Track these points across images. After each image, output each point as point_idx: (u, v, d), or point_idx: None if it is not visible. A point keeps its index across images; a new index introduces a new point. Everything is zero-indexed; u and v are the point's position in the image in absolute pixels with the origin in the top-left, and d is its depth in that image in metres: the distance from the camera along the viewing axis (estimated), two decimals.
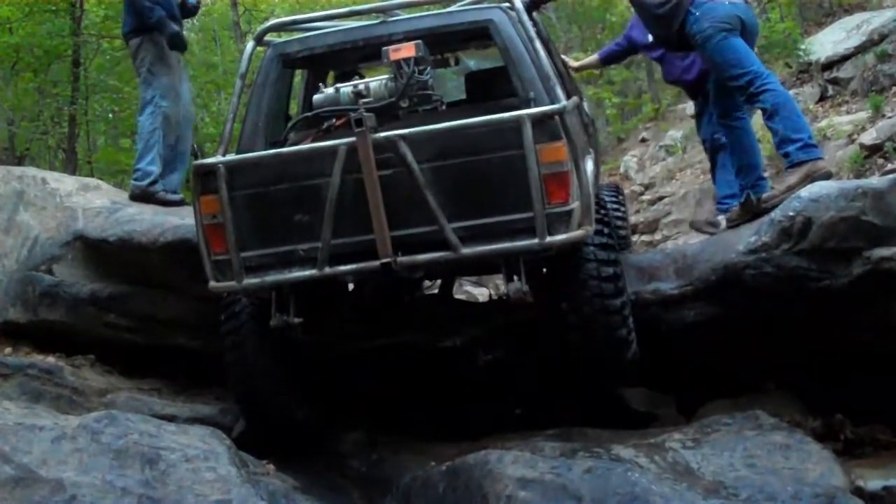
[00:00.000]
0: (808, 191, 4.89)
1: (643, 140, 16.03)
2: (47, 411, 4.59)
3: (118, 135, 20.71)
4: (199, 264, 4.64)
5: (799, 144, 5.42)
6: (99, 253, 5.93)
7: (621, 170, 15.00)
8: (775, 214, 4.94)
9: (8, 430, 4.20)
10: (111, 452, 4.03)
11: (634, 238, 10.51)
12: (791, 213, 4.84)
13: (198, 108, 18.24)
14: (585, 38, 21.15)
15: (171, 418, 5.07)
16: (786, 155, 5.47)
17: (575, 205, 4.31)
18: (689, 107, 14.45)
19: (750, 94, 5.55)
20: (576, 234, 4.35)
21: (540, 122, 4.29)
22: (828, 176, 5.35)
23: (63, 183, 6.64)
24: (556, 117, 4.32)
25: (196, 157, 16.68)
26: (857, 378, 5.11)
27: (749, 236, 5.02)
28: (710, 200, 10.63)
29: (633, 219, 11.04)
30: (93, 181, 7.10)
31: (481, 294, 9.21)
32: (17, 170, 7.00)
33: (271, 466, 4.68)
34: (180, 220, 5.73)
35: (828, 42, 11.82)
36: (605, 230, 4.78)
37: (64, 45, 15.84)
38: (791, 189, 5.18)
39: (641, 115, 17.97)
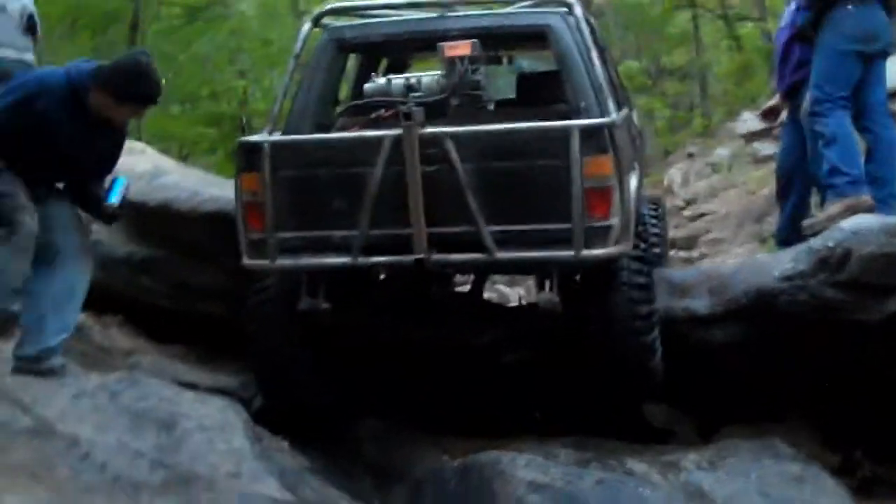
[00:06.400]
0: (850, 223, 4.83)
1: (690, 155, 15.94)
2: (71, 367, 4.64)
3: (169, 101, 20.89)
4: (235, 237, 4.67)
5: (849, 179, 5.39)
6: (138, 216, 5.98)
7: (665, 183, 14.92)
8: (814, 243, 4.89)
9: (31, 382, 4.26)
10: (129, 414, 4.08)
11: (672, 253, 10.43)
12: (831, 244, 4.78)
13: (249, 82, 18.44)
14: (641, 47, 21.06)
15: (192, 386, 5.10)
16: (832, 186, 5.42)
17: (615, 220, 4.29)
18: (739, 125, 14.41)
19: (815, 113, 5.51)
20: (612, 250, 4.32)
21: (588, 133, 4.26)
22: (871, 209, 5.30)
23: None
24: (605, 130, 4.31)
25: (243, 131, 16.83)
26: (881, 416, 5.06)
27: (786, 262, 4.97)
28: (752, 222, 10.58)
29: (672, 233, 10.97)
30: (139, 145, 7.16)
31: (513, 294, 9.22)
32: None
33: (286, 444, 4.71)
34: (220, 192, 5.77)
35: (892, 72, 11.63)
36: (642, 245, 4.75)
37: (124, 8, 16.01)
38: (832, 219, 5.13)
39: (690, 130, 17.89)
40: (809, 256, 4.85)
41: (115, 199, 4.63)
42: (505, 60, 6.51)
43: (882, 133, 5.77)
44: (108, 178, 4.71)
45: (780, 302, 4.89)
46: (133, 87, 4.45)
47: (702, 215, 12.16)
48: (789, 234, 6.18)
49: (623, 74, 17.01)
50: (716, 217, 11.67)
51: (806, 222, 5.50)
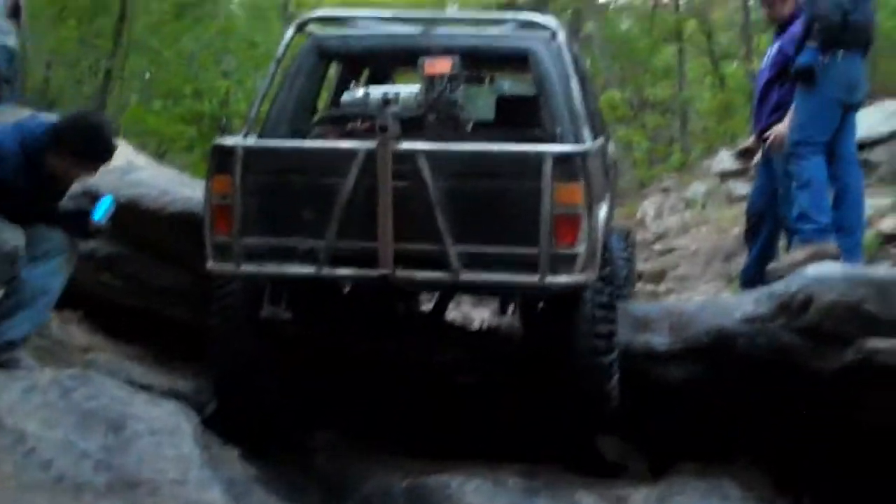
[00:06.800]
0: (813, 269, 4.88)
1: (665, 189, 15.99)
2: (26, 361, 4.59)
3: (151, 95, 20.82)
4: (202, 240, 4.64)
5: (816, 226, 5.46)
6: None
7: (638, 215, 14.97)
8: (776, 287, 4.93)
9: None
10: (78, 412, 4.04)
11: (640, 286, 10.45)
12: (793, 289, 4.82)
13: (233, 82, 18.40)
14: (626, 77, 21.16)
15: (146, 387, 5.06)
16: (800, 231, 5.46)
17: (582, 249, 4.30)
18: (715, 163, 14.50)
19: (793, 153, 5.56)
20: (577, 278, 4.34)
21: (561, 160, 4.28)
22: (837, 257, 5.35)
23: None
24: (578, 159, 4.32)
25: (223, 132, 16.77)
26: (831, 463, 5.08)
27: (747, 304, 5.00)
28: (720, 260, 10.62)
29: (640, 267, 10.98)
30: None
31: (479, 315, 9.19)
32: (42, 116, 7.00)
33: (236, 452, 4.67)
34: (191, 193, 5.73)
35: (863, 124, 11.72)
36: (607, 277, 4.76)
37: None
38: (796, 264, 5.17)
39: (668, 164, 17.96)
40: (771, 300, 4.89)
41: (101, 217, 4.66)
42: (487, 81, 6.53)
43: (851, 183, 5.83)
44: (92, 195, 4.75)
45: (739, 343, 4.93)
46: (92, 148, 4.51)
47: (672, 250, 12.18)
48: (755, 276, 6.22)
49: (605, 104, 17.17)
50: (685, 253, 11.69)
51: (771, 266, 5.53)
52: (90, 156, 4.53)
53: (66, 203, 4.83)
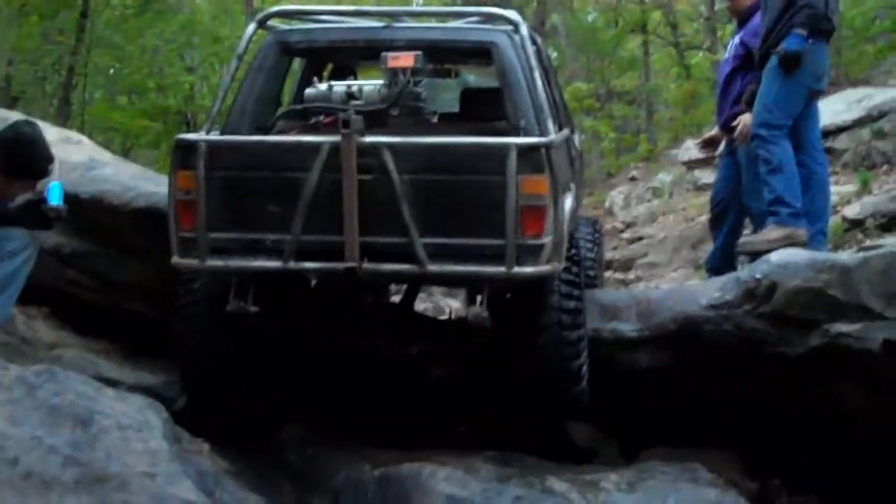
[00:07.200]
0: (777, 255, 4.92)
1: (632, 178, 16.12)
2: None
3: (116, 91, 20.66)
4: (167, 235, 4.62)
5: (791, 210, 5.52)
6: (69, 209, 5.90)
7: (606, 204, 15.07)
8: (742, 274, 4.98)
9: None
10: (45, 408, 4.00)
11: (608, 274, 10.53)
12: (758, 276, 4.86)
13: (198, 78, 18.29)
14: (592, 69, 21.25)
15: (114, 383, 5.02)
16: (775, 213, 5.52)
17: (547, 240, 4.32)
18: (682, 152, 14.62)
19: (761, 137, 5.59)
20: (544, 268, 4.35)
21: (525, 152, 4.29)
22: (804, 245, 5.41)
23: (45, 132, 6.53)
24: (543, 150, 4.33)
25: (189, 127, 16.67)
26: (799, 447, 5.14)
27: (713, 291, 5.04)
28: (688, 247, 10.72)
29: (609, 255, 11.07)
30: (75, 135, 7.05)
31: (451, 305, 9.23)
32: (2, 112, 6.95)
33: (206, 446, 4.65)
34: (155, 188, 5.70)
35: (828, 111, 11.88)
36: (574, 268, 4.79)
37: None
38: (771, 242, 5.24)
39: (635, 154, 18.08)
40: (737, 287, 4.93)
41: (57, 201, 4.61)
42: (452, 74, 6.52)
43: (816, 169, 5.89)
44: (42, 183, 4.68)
45: (706, 330, 4.97)
46: (25, 164, 4.47)
47: (640, 239, 12.30)
48: (720, 263, 6.28)
49: (572, 96, 17.24)
50: (653, 241, 11.80)
51: (743, 239, 5.56)
52: (24, 174, 4.49)
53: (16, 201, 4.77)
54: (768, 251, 5.10)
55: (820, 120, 6.22)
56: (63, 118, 15.68)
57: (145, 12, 18.37)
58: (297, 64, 5.88)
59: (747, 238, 5.53)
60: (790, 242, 5.31)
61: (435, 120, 5.33)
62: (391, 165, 4.30)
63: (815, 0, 5.52)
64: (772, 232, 5.47)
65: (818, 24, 5.54)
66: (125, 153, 17.50)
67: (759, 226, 6.02)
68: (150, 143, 18.97)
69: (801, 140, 5.82)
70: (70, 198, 5.51)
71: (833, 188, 10.02)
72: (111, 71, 19.74)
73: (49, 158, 4.58)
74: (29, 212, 4.66)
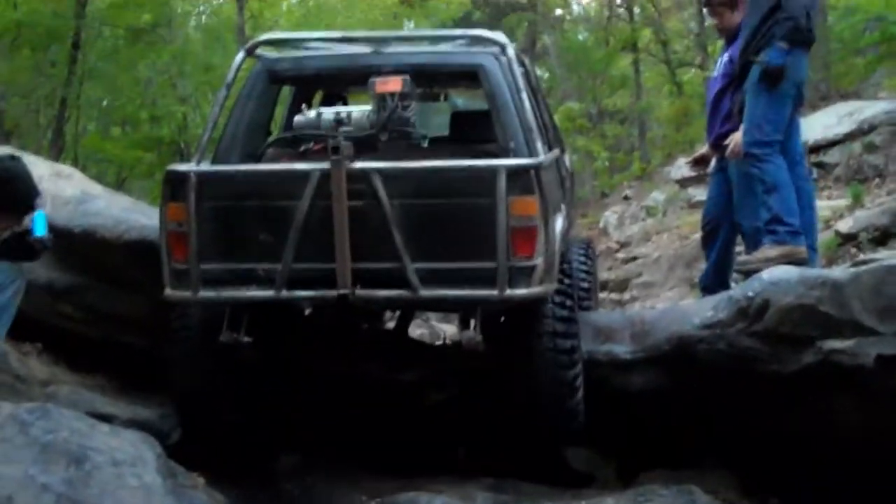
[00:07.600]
0: (769, 273, 4.91)
1: (626, 198, 16.14)
2: None
3: (109, 123, 20.70)
4: (159, 267, 4.61)
5: (789, 229, 5.52)
6: (62, 243, 5.89)
7: (601, 225, 15.08)
8: (734, 293, 4.97)
9: None
10: (38, 446, 3.96)
11: (603, 295, 10.53)
12: (750, 294, 4.85)
13: (190, 107, 18.32)
14: (584, 89, 21.31)
15: (109, 418, 5.00)
16: (773, 232, 5.51)
17: (539, 261, 4.32)
18: (674, 171, 14.64)
19: (753, 155, 5.58)
20: (536, 290, 4.35)
21: (515, 174, 4.30)
22: (803, 262, 5.40)
23: (36, 167, 6.54)
24: (532, 172, 4.34)
25: (182, 157, 16.64)
26: (797, 466, 5.12)
27: (706, 311, 5.03)
28: (683, 266, 10.72)
29: (604, 276, 11.07)
30: (67, 169, 7.03)
31: (447, 330, 9.21)
32: None
33: (202, 480, 4.62)
34: (147, 221, 5.69)
35: (819, 125, 11.95)
36: (568, 290, 4.78)
37: (66, 26, 15.84)
38: (769, 261, 5.24)
39: (628, 173, 18.10)
40: (729, 305, 4.92)
41: (42, 231, 4.60)
42: (441, 97, 6.54)
43: (801, 185, 5.88)
44: (28, 217, 4.69)
45: (699, 350, 4.96)
46: (8, 200, 4.46)
47: (634, 258, 12.30)
48: (714, 282, 6.27)
49: (564, 116, 17.26)
50: (648, 260, 11.80)
51: (741, 258, 5.55)
52: (8, 209, 4.49)
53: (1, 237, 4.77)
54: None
55: (801, 134, 6.22)
56: (57, 150, 15.70)
57: (136, 43, 18.43)
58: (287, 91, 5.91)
59: (745, 257, 5.52)
60: (789, 260, 5.29)
61: (425, 144, 5.34)
62: (381, 191, 4.31)
63: (797, 11, 5.53)
64: (770, 250, 5.46)
65: (799, 36, 5.56)
66: (119, 184, 17.51)
67: (751, 243, 6.00)
68: (144, 174, 18.97)
69: (784, 155, 5.83)
70: (62, 232, 5.54)
71: (825, 202, 10.09)
72: (104, 102, 19.78)
73: (33, 193, 4.57)
74: (14, 244, 4.65)
